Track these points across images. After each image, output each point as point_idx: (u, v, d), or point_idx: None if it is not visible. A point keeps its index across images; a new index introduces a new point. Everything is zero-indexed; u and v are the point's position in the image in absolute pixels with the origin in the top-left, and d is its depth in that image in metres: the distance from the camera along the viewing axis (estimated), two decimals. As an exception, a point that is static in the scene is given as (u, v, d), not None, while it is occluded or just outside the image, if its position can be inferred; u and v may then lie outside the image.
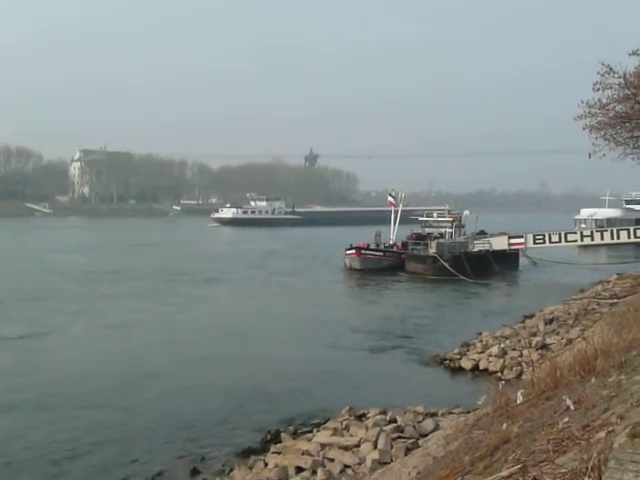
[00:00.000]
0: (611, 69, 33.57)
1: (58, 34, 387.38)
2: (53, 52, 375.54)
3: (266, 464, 14.78)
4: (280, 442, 16.27)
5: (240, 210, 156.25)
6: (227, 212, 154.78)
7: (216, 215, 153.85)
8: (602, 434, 6.46)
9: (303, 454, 14.78)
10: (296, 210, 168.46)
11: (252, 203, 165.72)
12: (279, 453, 15.21)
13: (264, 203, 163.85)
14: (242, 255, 72.16)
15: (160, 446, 16.63)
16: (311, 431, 17.01)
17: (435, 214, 65.21)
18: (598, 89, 34.50)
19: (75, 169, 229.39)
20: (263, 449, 16.12)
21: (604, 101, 34.84)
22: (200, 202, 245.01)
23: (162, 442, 16.90)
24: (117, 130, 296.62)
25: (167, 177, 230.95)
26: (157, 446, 16.64)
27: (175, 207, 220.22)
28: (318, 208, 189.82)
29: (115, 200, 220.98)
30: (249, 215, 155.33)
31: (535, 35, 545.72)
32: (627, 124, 35.51)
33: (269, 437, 16.85)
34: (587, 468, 5.55)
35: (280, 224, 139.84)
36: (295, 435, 16.91)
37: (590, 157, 36.11)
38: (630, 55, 33.33)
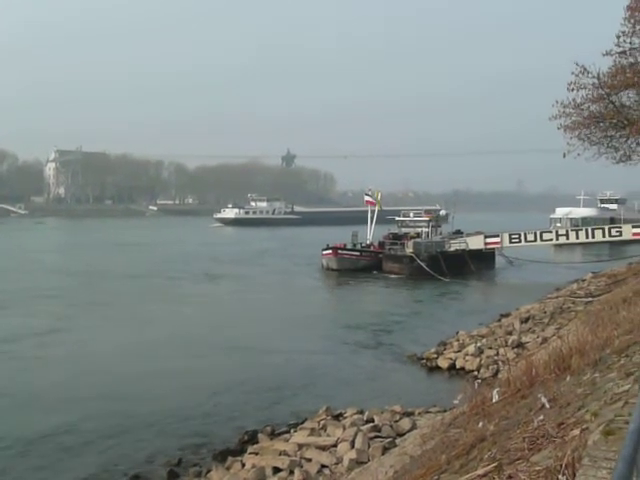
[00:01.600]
0: (585, 69, 33.82)
1: (32, 32, 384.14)
2: (27, 50, 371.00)
3: (243, 465, 14.74)
4: (257, 443, 16.25)
5: (242, 211, 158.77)
6: (229, 212, 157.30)
7: (219, 215, 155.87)
8: (576, 432, 6.50)
9: (280, 454, 14.76)
10: (295, 210, 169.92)
11: (253, 203, 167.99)
12: (256, 454, 15.18)
13: (264, 204, 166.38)
14: (237, 255, 72.22)
15: (136, 448, 16.55)
16: (288, 431, 16.98)
17: (412, 214, 65.33)
18: (572, 89, 34.74)
19: (50, 170, 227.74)
20: (240, 450, 16.07)
21: (578, 101, 35.08)
22: (177, 202, 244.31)
23: (138, 444, 16.82)
24: (93, 130, 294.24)
25: (143, 177, 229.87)
26: (133, 448, 16.56)
27: (152, 207, 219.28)
28: (316, 208, 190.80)
29: (91, 201, 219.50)
30: (251, 215, 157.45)
31: (510, 36, 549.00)
32: (601, 124, 35.78)
33: (246, 438, 16.81)
34: (561, 465, 5.60)
35: (280, 224, 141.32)
36: (272, 435, 16.88)
37: (565, 157, 36.33)
38: (604, 55, 33.64)
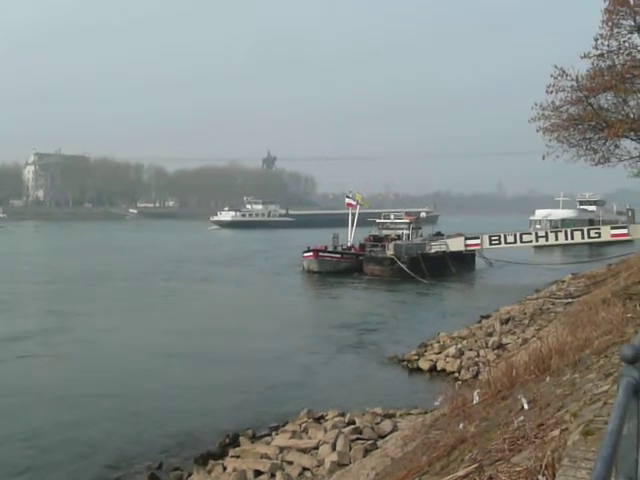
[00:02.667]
0: (564, 72, 34.07)
1: (13, 32, 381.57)
2: (5, 53, 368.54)
3: (225, 468, 14.70)
4: (239, 446, 16.21)
5: (239, 213, 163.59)
6: (226, 215, 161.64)
7: (215, 218, 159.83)
8: (556, 432, 6.54)
9: (262, 457, 14.74)
10: (290, 213, 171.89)
11: (248, 206, 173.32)
12: (238, 457, 15.15)
13: (260, 206, 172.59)
14: (224, 257, 72.42)
15: (116, 451, 16.44)
16: (270, 434, 16.96)
17: (392, 216, 65.47)
18: (551, 92, 34.94)
19: (29, 173, 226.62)
20: (222, 453, 16.00)
21: (557, 103, 35.33)
22: (157, 205, 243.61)
23: (118, 447, 16.71)
24: (73, 133, 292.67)
25: (123, 180, 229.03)
26: (113, 451, 16.44)
27: (132, 210, 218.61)
28: (310, 211, 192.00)
29: (71, 204, 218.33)
30: (247, 218, 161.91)
31: (492, 39, 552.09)
32: (580, 126, 36.00)
33: (228, 441, 16.76)
34: (541, 466, 5.62)
35: (275, 226, 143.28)
36: (254, 439, 16.85)
37: (544, 159, 36.52)
38: (582, 58, 33.90)
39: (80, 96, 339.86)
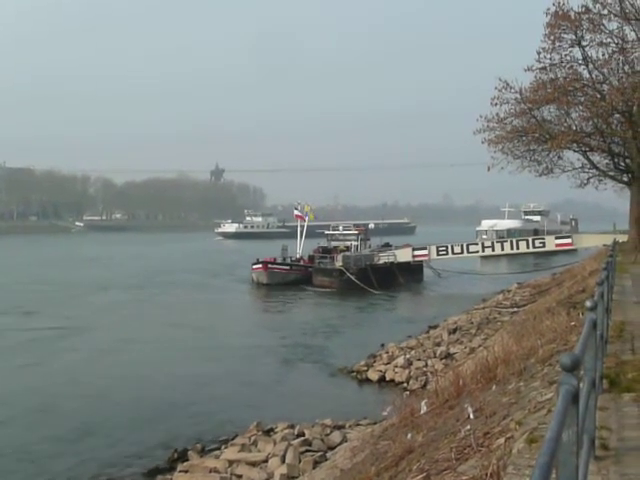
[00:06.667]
0: (508, 84, 34.71)
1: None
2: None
3: (173, 483, 14.57)
4: (187, 460, 16.05)
5: (241, 225, 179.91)
6: (230, 227, 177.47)
7: (220, 230, 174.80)
8: (501, 441, 6.61)
9: (211, 472, 14.63)
10: (286, 224, 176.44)
11: (248, 218, 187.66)
12: (186, 471, 15.01)
13: (260, 219, 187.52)
14: (209, 267, 73.14)
15: (62, 467, 16.14)
16: (219, 448, 16.83)
17: (341, 227, 65.69)
18: (496, 104, 35.62)
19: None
20: (170, 468, 15.86)
21: (502, 115, 35.98)
22: (104, 218, 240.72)
23: (63, 463, 16.41)
24: (18, 145, 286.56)
25: (70, 193, 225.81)
26: (58, 467, 16.15)
27: (78, 223, 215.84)
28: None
29: (15, 217, 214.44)
30: (249, 229, 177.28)
31: (439, 58, 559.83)
32: (524, 138, 36.69)
33: (176, 456, 16.59)
34: (487, 474, 5.68)
35: (273, 237, 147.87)
36: (203, 453, 16.72)
37: (489, 170, 37.17)
38: (525, 71, 34.56)
39: (25, 107, 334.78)
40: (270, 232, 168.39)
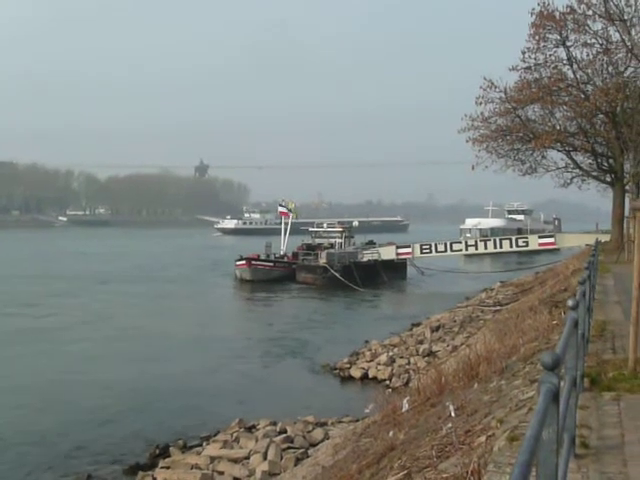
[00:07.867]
0: (492, 84, 34.86)
1: None
2: None
3: (154, 479, 14.51)
4: (169, 456, 15.99)
5: (240, 221, 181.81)
6: (229, 223, 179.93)
7: (219, 226, 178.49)
8: (483, 439, 6.63)
9: (192, 468, 14.61)
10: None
11: (247, 215, 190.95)
12: (168, 468, 14.96)
13: (258, 215, 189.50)
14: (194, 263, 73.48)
15: (43, 463, 16.06)
16: (201, 444, 16.79)
17: (325, 224, 65.70)
18: (480, 103, 35.78)
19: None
20: (151, 464, 15.76)
21: (486, 114, 36.14)
22: (87, 213, 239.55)
23: (45, 459, 16.33)
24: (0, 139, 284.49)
25: (53, 187, 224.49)
26: (39, 464, 16.06)
27: (61, 218, 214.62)
28: (302, 219, 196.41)
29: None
30: (247, 226, 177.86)
31: (427, 59, 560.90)
32: (508, 137, 36.88)
33: (158, 452, 16.51)
34: (468, 472, 5.70)
35: (271, 233, 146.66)
36: (184, 449, 16.66)
37: (473, 169, 37.33)
38: (510, 70, 34.71)
39: (8, 101, 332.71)
40: (267, 228, 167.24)
